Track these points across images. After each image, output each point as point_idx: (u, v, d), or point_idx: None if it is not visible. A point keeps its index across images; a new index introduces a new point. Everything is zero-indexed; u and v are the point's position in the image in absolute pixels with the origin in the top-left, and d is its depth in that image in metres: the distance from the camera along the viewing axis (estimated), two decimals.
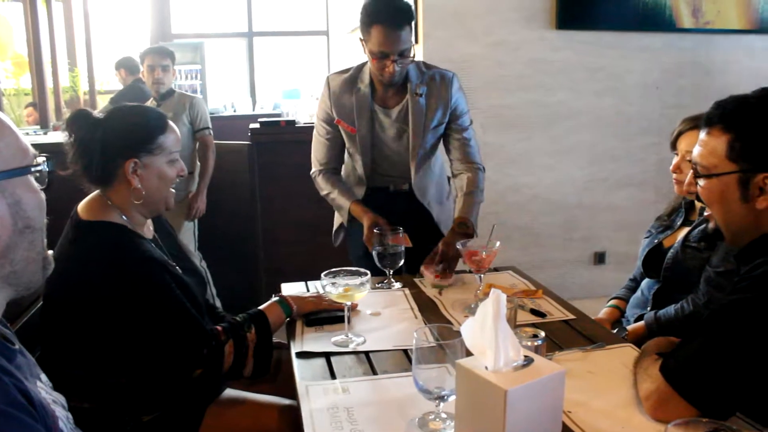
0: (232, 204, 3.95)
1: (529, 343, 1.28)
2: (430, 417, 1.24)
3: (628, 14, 3.99)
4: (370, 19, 2.09)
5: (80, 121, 1.58)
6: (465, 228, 2.18)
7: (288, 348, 1.73)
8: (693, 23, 4.10)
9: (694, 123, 1.94)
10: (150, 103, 3.90)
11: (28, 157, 0.93)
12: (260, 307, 1.73)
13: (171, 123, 1.66)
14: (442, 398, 1.19)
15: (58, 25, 5.85)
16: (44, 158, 0.96)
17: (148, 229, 1.71)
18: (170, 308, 1.53)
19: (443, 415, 1.23)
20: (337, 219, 2.51)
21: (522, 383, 1.05)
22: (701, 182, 1.32)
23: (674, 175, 2.01)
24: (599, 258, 4.31)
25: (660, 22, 4.05)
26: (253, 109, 6.44)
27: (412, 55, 2.16)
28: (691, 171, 1.35)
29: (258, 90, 6.90)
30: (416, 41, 3.89)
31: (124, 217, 1.60)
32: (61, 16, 6.15)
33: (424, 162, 2.36)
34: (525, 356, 1.13)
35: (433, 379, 1.19)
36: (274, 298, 1.78)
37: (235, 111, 6.45)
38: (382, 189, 2.40)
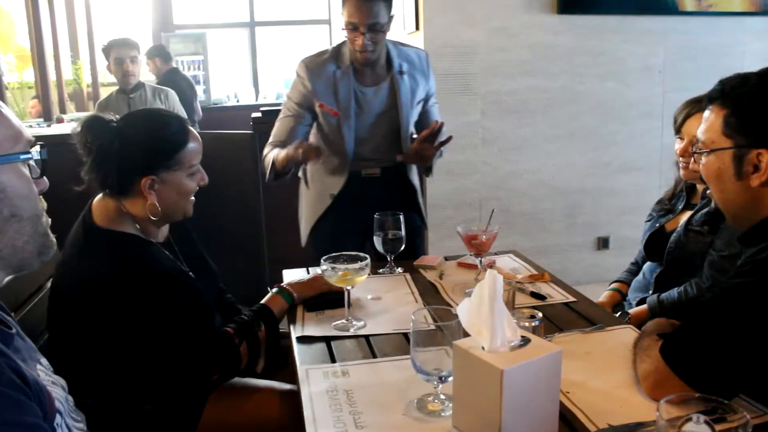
0: (234, 193, 3.94)
1: (527, 324, 1.28)
2: (429, 398, 1.25)
3: None
4: None
5: (96, 129, 1.51)
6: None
7: (288, 335, 1.74)
8: (695, 6, 4.08)
9: (703, 105, 1.93)
10: (119, 97, 3.87)
11: (20, 145, 0.93)
12: (263, 301, 1.73)
13: (193, 132, 1.59)
14: (440, 379, 1.20)
15: (60, 18, 5.86)
16: (38, 146, 0.96)
17: (162, 233, 1.67)
18: (184, 323, 1.51)
19: (442, 396, 1.24)
20: (305, 220, 2.55)
21: (518, 363, 1.05)
22: (702, 159, 1.31)
23: (681, 160, 2.00)
24: (603, 243, 4.30)
25: (662, 5, 4.03)
26: (256, 99, 6.44)
27: (385, 31, 2.16)
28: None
29: (260, 80, 6.89)
30: (417, 27, 3.88)
31: (137, 225, 1.56)
32: (63, 9, 6.15)
33: (408, 140, 2.38)
34: (522, 336, 1.13)
35: (432, 361, 1.20)
36: (275, 290, 1.77)
37: (238, 101, 6.45)
38: (354, 175, 2.38)
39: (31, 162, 0.95)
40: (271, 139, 2.37)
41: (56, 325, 1.55)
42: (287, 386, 1.72)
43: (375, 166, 2.39)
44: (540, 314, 1.32)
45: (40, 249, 0.96)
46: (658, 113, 4.18)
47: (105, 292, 1.46)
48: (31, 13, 5.09)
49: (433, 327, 1.20)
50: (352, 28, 2.13)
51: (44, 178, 0.97)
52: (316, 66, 2.27)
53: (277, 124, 2.38)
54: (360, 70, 2.27)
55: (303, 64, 2.30)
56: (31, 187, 0.94)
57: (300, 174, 2.50)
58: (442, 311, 1.24)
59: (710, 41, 4.15)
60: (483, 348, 1.10)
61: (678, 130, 2.01)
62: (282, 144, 2.31)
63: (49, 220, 0.98)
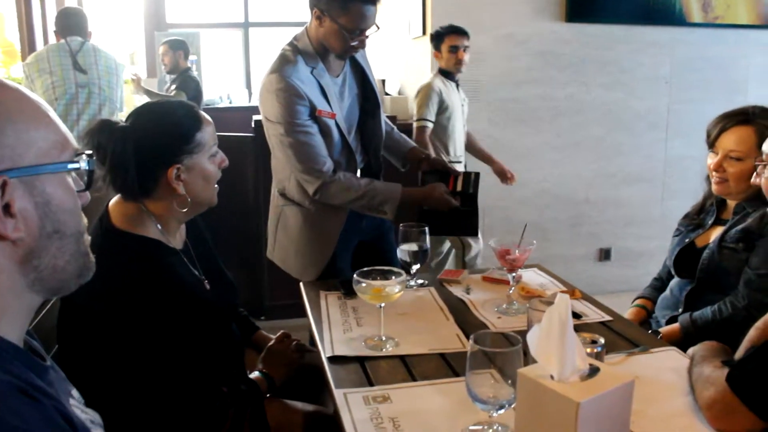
0: (234, 198, 3.85)
1: (589, 350, 1.21)
2: (483, 428, 1.17)
3: (639, 8, 3.95)
4: None
5: (105, 135, 1.40)
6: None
7: (313, 349, 1.66)
8: (703, 18, 4.07)
9: (739, 119, 1.88)
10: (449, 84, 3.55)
11: (66, 153, 0.83)
12: (252, 376, 1.62)
13: (204, 114, 1.51)
14: (497, 408, 1.12)
15: (50, 13, 5.70)
16: (87, 155, 0.86)
17: (180, 235, 1.58)
18: (184, 358, 1.41)
19: (497, 426, 1.16)
20: (313, 248, 2.19)
21: (593, 394, 0.98)
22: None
23: (714, 174, 1.94)
24: (605, 254, 4.27)
25: (670, 16, 4.01)
26: (249, 101, 6.31)
27: None
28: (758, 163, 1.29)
29: (254, 81, 6.77)
30: (423, 32, 3.81)
31: (158, 226, 1.47)
32: (53, 4, 6.00)
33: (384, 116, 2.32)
34: (590, 364, 1.06)
35: (488, 388, 1.12)
36: (257, 373, 1.64)
37: (231, 102, 6.33)
38: None
39: (74, 173, 0.85)
40: (329, 165, 2.04)
41: (66, 335, 1.45)
42: (310, 407, 1.64)
43: (361, 159, 2.24)
44: (602, 339, 1.25)
45: (81, 270, 0.86)
46: (663, 124, 4.16)
47: (121, 302, 1.36)
48: (23, 8, 4.94)
49: (490, 352, 1.12)
50: (359, 33, 2.01)
51: (87, 192, 0.87)
52: (295, 73, 2.00)
53: (315, 147, 2.02)
54: (326, 61, 2.09)
55: (282, 77, 1.98)
56: (76, 201, 0.84)
57: (287, 191, 2.20)
58: (497, 336, 1.17)
59: (717, 53, 4.14)
60: (552, 377, 1.02)
61: (712, 145, 1.95)
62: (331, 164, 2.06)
63: (89, 238, 0.88)
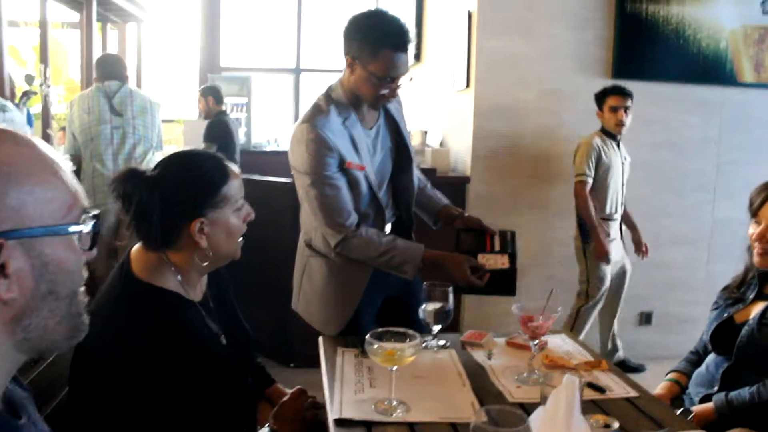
0: (270, 241, 3.87)
1: None
2: None
3: (688, 67, 3.89)
4: (379, 42, 1.93)
5: (132, 183, 1.41)
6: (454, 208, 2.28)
7: (323, 407, 1.62)
8: (755, 78, 3.98)
9: None
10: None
11: (73, 213, 0.82)
12: None
13: (231, 166, 1.50)
14: None
15: (112, 52, 5.96)
16: (92, 217, 0.84)
17: (201, 287, 1.56)
18: (190, 412, 1.39)
19: None
20: (334, 302, 2.15)
21: None
22: None
23: (756, 245, 1.85)
24: (646, 318, 4.12)
25: (720, 75, 3.93)
26: None
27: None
28: None
29: None
30: (467, 85, 3.82)
31: (178, 277, 1.46)
32: (115, 44, 6.28)
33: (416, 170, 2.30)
34: None
35: None
36: (267, 429, 1.60)
37: (278, 146, 6.45)
38: None
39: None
40: (354, 218, 2.02)
41: (77, 380, 1.45)
42: None
43: (392, 214, 2.22)
44: (616, 423, 1.18)
45: (72, 332, 0.85)
46: (711, 185, 4.04)
47: (132, 354, 1.34)
48: (85, 46, 5.17)
49: (494, 429, 1.07)
50: (389, 81, 1.99)
51: (93, 249, 0.86)
52: (326, 124, 1.98)
53: (342, 199, 2.00)
54: (359, 112, 2.08)
55: (313, 128, 1.95)
56: (79, 260, 0.83)
57: (313, 242, 2.20)
58: (505, 412, 1.11)
59: None
60: None
61: (754, 213, 1.87)
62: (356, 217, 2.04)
63: (86, 298, 0.87)
